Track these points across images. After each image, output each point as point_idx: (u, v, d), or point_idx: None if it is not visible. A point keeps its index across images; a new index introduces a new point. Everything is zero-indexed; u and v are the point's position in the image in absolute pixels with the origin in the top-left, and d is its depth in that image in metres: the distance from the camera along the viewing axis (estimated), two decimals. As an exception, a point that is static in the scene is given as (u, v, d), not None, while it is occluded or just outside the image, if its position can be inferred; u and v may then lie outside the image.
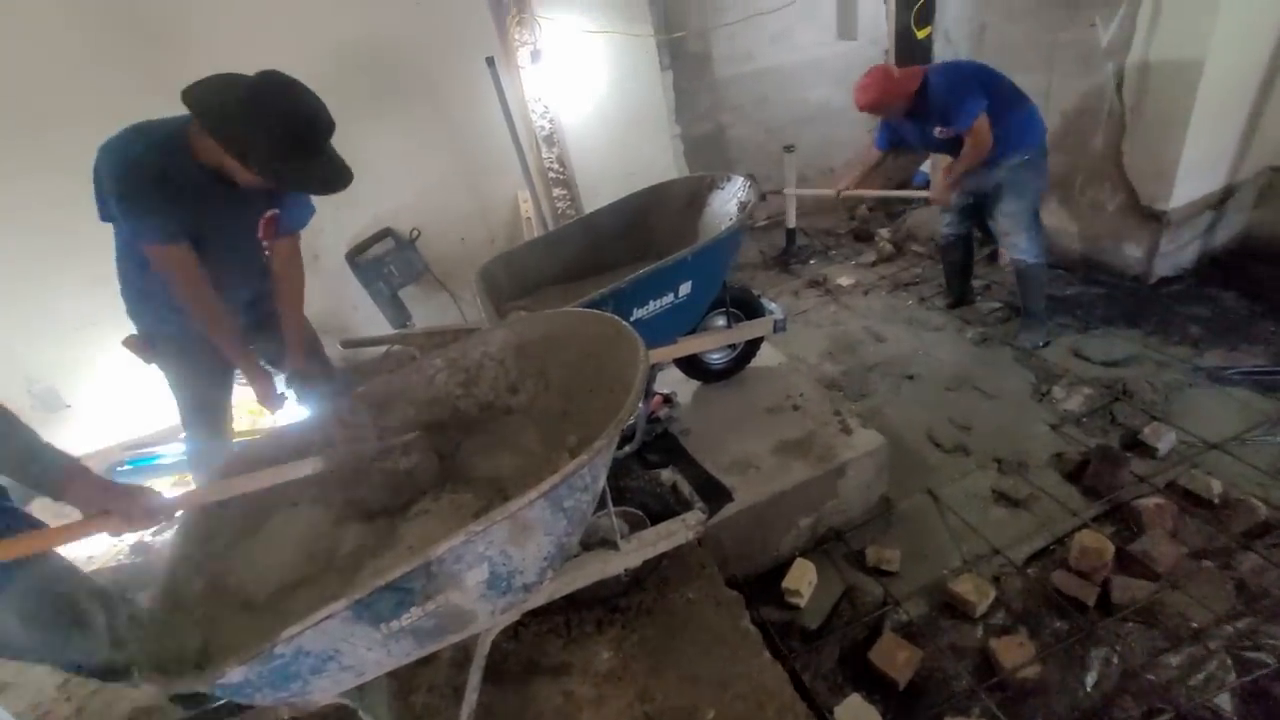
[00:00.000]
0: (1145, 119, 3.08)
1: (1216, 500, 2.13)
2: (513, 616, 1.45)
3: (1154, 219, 3.20)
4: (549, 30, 3.22)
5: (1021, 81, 2.86)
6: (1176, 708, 1.63)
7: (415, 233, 3.29)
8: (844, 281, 4.12)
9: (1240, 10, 2.70)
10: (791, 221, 4.46)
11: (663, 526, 1.73)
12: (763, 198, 4.19)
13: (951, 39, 4.14)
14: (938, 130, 2.79)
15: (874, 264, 4.31)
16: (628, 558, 1.66)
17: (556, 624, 1.77)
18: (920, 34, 4.41)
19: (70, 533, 1.18)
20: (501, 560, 1.19)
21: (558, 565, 1.37)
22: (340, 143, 1.58)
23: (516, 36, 3.17)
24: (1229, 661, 1.71)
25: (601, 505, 1.54)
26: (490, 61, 2.91)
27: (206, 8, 2.74)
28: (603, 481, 1.36)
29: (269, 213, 1.78)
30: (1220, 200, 3.24)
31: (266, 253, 1.85)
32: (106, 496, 1.18)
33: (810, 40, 4.87)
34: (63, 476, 1.17)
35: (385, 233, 3.25)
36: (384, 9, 2.97)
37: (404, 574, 1.06)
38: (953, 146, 2.82)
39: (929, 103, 2.74)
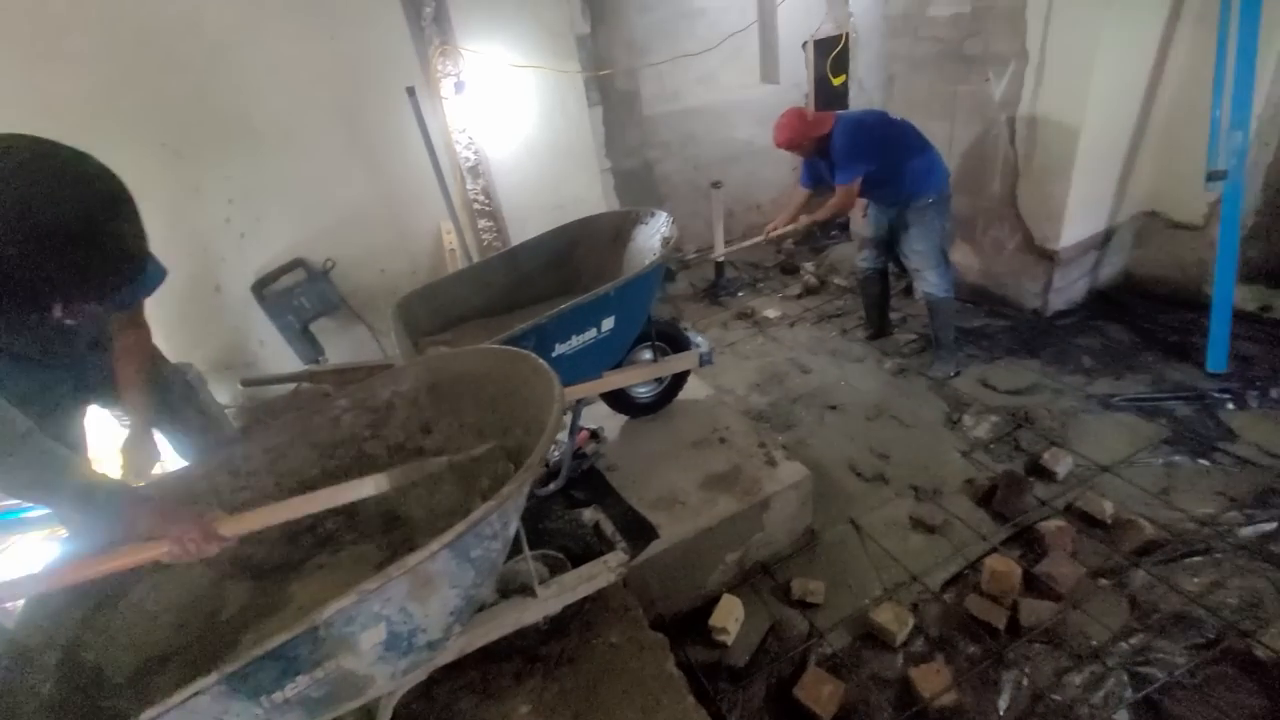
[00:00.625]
0: (1035, 166, 3.35)
1: (1109, 520, 2.27)
2: (419, 677, 1.35)
3: (1047, 257, 3.45)
4: (473, 62, 3.20)
5: (927, 127, 3.08)
6: (1081, 727, 1.70)
7: (329, 263, 3.14)
8: (771, 314, 4.23)
9: (1111, 74, 3.00)
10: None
11: (584, 569, 1.68)
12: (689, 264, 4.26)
13: (865, 87, 4.41)
14: None
15: (799, 296, 4.45)
16: (547, 604, 1.60)
17: (471, 679, 1.66)
18: (836, 81, 4.67)
19: (127, 559, 1.16)
20: (401, 619, 1.11)
21: (467, 619, 1.30)
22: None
23: (439, 67, 3.13)
24: (1125, 678, 1.79)
25: (518, 550, 1.47)
26: (411, 91, 2.85)
27: (113, 27, 2.56)
28: (515, 526, 1.30)
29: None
30: (1103, 241, 3.54)
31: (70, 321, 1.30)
32: (167, 523, 1.17)
33: (735, 82, 5.08)
34: (122, 505, 1.17)
35: (296, 263, 3.08)
36: (299, 33, 2.87)
37: (286, 641, 0.97)
38: (862, 187, 3.00)
39: (831, 150, 2.96)
